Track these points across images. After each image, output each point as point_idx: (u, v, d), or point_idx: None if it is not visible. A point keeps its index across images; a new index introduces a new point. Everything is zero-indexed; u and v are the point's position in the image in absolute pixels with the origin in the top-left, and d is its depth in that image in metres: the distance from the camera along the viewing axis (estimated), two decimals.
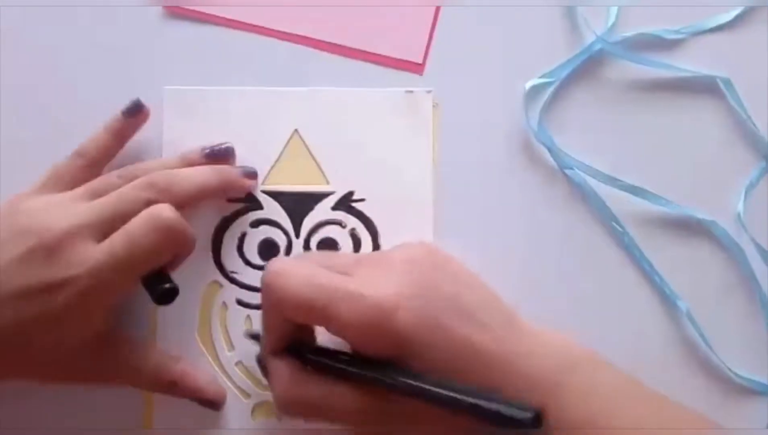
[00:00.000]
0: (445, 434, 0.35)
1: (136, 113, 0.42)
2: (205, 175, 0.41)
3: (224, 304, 0.42)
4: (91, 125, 0.42)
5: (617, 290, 0.42)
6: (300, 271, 0.35)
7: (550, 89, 0.43)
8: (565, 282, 0.42)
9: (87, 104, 0.43)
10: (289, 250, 0.42)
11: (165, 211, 0.37)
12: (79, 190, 0.39)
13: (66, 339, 0.37)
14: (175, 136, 0.43)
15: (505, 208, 0.42)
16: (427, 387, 0.32)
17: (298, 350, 0.37)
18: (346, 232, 0.42)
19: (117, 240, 0.37)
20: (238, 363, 0.42)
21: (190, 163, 0.41)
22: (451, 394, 0.32)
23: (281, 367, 0.36)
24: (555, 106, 0.43)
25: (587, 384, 0.34)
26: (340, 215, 0.43)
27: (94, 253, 0.36)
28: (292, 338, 0.36)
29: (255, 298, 0.42)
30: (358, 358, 0.35)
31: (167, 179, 0.39)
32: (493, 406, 0.31)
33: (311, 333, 0.38)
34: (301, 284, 0.34)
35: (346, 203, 0.43)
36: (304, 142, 0.43)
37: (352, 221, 0.43)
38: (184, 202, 0.39)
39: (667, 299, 0.41)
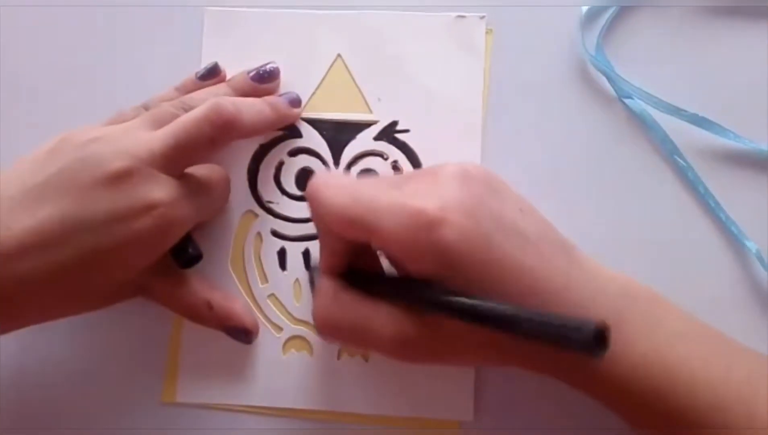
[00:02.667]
0: (489, 360, 0.33)
1: (210, 76, 0.41)
2: (264, 110, 0.39)
3: (259, 234, 0.40)
4: (128, 46, 0.42)
5: (680, 228, 0.38)
6: (342, 182, 0.34)
7: (609, 13, 0.40)
8: (622, 218, 0.39)
9: (125, 25, 0.43)
10: None
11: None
12: (139, 120, 0.37)
13: (135, 266, 0.35)
14: (214, 58, 0.41)
15: (560, 141, 0.40)
16: (477, 303, 0.29)
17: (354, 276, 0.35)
18: (387, 164, 0.40)
19: (173, 128, 0.36)
20: (271, 296, 0.40)
21: (236, 88, 0.40)
22: (505, 310, 0.29)
23: (325, 284, 0.34)
24: (614, 32, 0.40)
25: (650, 318, 0.32)
26: (382, 146, 0.40)
27: (168, 181, 0.35)
28: (346, 258, 0.35)
29: (290, 229, 0.40)
30: (406, 280, 0.32)
31: (235, 110, 0.37)
32: (554, 320, 0.27)
33: (375, 260, 0.36)
34: (341, 195, 0.33)
35: (389, 134, 0.41)
36: (347, 67, 0.41)
37: (395, 153, 0.40)
38: (243, 137, 0.39)
39: (734, 239, 0.38)
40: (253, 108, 0.38)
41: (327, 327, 0.34)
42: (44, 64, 0.43)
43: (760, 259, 0.37)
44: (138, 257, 0.35)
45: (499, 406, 0.38)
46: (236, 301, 0.39)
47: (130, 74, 0.42)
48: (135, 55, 0.43)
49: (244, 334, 0.39)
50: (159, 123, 0.37)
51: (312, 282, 0.38)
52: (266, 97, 0.40)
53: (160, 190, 0.34)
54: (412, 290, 0.32)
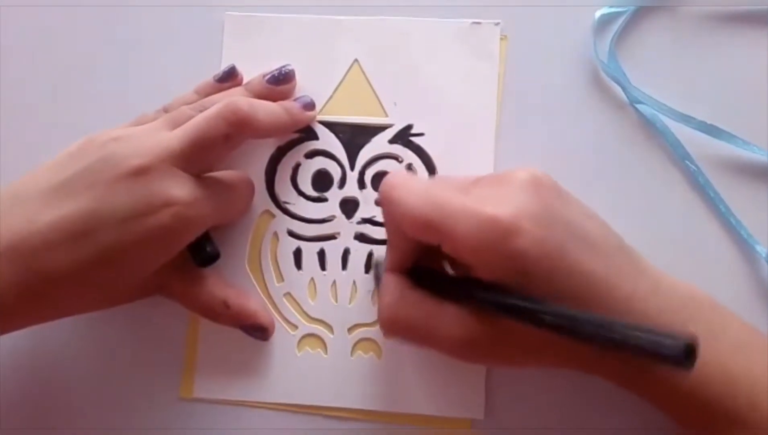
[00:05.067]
0: (553, 363, 0.33)
1: (228, 79, 0.41)
2: (279, 112, 0.40)
3: (275, 234, 0.41)
4: (149, 50, 0.44)
5: (690, 232, 0.39)
6: (417, 184, 0.34)
7: (622, 19, 0.41)
8: (632, 223, 0.38)
9: (147, 29, 0.44)
10: (343, 182, 0.41)
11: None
12: (158, 121, 0.38)
13: (154, 262, 0.36)
14: (234, 62, 0.42)
15: (572, 145, 0.40)
16: (562, 313, 0.29)
17: (418, 274, 0.35)
18: (402, 167, 0.41)
19: (190, 126, 0.37)
20: (287, 294, 0.40)
21: (253, 91, 0.41)
22: (592, 320, 0.28)
23: (392, 282, 0.34)
24: (626, 38, 0.41)
25: (713, 326, 0.32)
26: (397, 149, 0.41)
27: (186, 179, 0.36)
28: (413, 258, 0.35)
29: (306, 230, 0.41)
30: (475, 282, 0.32)
31: (250, 109, 0.38)
32: (644, 336, 0.27)
33: (440, 260, 0.36)
34: (417, 198, 0.33)
35: (404, 137, 0.41)
36: (363, 72, 0.42)
37: (409, 156, 0.41)
38: (257, 137, 0.40)
39: (744, 243, 0.38)
40: (267, 109, 0.39)
41: (393, 324, 0.34)
42: (64, 67, 0.44)
43: None
44: (155, 253, 0.36)
45: (510, 404, 0.38)
46: (252, 299, 0.40)
47: (151, 78, 0.43)
48: (156, 59, 0.43)
49: (261, 331, 0.39)
50: (177, 124, 0.38)
51: (377, 279, 0.39)
52: (281, 102, 0.41)
53: (178, 187, 0.35)
54: (488, 294, 0.31)
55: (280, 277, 0.41)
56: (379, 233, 0.40)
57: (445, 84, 0.42)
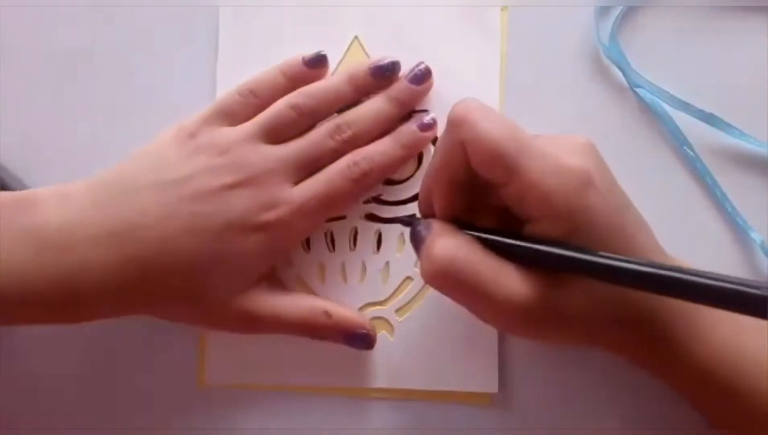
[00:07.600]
0: (601, 337, 0.34)
1: (318, 65, 0.40)
2: (394, 152, 0.39)
3: None
4: (143, 45, 0.43)
5: (686, 218, 0.40)
6: (495, 112, 0.32)
7: (624, 2, 0.40)
8: None
9: (140, 26, 0.43)
10: None
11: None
12: (255, 128, 0.38)
13: (249, 278, 0.37)
14: (231, 54, 0.42)
15: (571, 126, 0.40)
16: (649, 265, 0.29)
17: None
18: None
19: (315, 187, 0.38)
20: (298, 278, 0.41)
21: (356, 85, 0.40)
22: (675, 269, 0.28)
23: (446, 227, 0.32)
24: (628, 21, 0.40)
25: None
26: None
27: (293, 196, 0.37)
28: (461, 206, 0.34)
29: None
30: (541, 237, 0.31)
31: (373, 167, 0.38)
32: (729, 283, 0.27)
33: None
34: (496, 125, 0.31)
35: (407, 115, 0.41)
36: (363, 49, 0.42)
37: None
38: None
39: (739, 230, 0.39)
40: (385, 153, 0.39)
41: (446, 274, 0.30)
42: (56, 65, 0.43)
43: (765, 250, 0.39)
44: (255, 268, 0.38)
45: (522, 378, 0.40)
46: (344, 306, 0.40)
47: (147, 75, 0.43)
48: (150, 57, 0.43)
49: (366, 340, 0.39)
50: (276, 133, 0.38)
51: (414, 226, 0.34)
52: (397, 133, 0.39)
53: (284, 204, 0.37)
54: (564, 249, 0.30)
55: (289, 261, 0.41)
56: (387, 212, 0.41)
57: (446, 59, 0.41)
